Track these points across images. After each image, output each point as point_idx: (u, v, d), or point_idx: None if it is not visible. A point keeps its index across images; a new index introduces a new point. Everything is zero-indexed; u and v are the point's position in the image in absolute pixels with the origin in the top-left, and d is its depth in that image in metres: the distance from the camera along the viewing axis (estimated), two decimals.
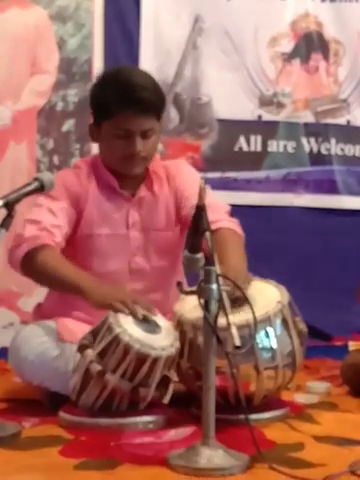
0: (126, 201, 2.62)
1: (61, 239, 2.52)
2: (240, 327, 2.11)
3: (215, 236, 2.45)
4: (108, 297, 2.33)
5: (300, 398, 2.62)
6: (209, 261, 2.03)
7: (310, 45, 4.00)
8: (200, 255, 2.05)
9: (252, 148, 3.98)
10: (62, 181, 2.57)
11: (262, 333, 2.31)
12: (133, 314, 2.29)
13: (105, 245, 2.59)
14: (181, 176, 2.66)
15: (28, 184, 2.28)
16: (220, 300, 2.02)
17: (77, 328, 2.47)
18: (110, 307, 2.29)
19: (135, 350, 2.21)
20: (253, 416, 2.20)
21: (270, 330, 2.32)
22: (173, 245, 2.62)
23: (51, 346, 2.47)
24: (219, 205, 2.62)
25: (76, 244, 2.59)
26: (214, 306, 2.01)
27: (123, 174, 2.60)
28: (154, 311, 2.36)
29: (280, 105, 3.99)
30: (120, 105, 2.48)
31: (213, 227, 2.47)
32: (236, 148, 3.97)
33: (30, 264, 2.45)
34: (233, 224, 2.60)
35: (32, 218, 2.52)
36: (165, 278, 2.63)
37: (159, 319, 2.35)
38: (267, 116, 3.98)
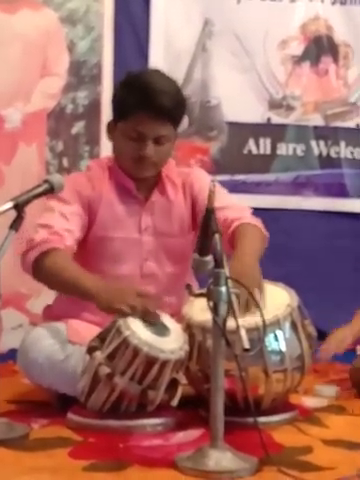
0: (139, 205, 2.63)
1: (72, 243, 2.52)
2: (249, 330, 2.10)
3: (237, 230, 2.48)
4: (116, 301, 2.31)
5: (309, 401, 2.61)
6: (218, 263, 2.03)
7: (320, 48, 4.00)
8: (209, 258, 2.05)
9: (261, 151, 3.97)
10: (74, 185, 2.57)
11: (271, 336, 2.31)
12: (142, 318, 2.28)
13: (117, 248, 2.60)
14: (198, 184, 2.65)
15: (38, 186, 2.29)
16: (229, 302, 2.02)
17: (86, 330, 2.47)
18: (118, 311, 2.29)
19: (144, 353, 2.21)
20: (262, 419, 2.20)
21: (279, 333, 2.32)
22: (186, 252, 2.60)
23: (60, 348, 2.46)
24: (242, 205, 2.65)
25: (89, 247, 2.59)
26: (223, 309, 2.01)
27: (135, 177, 2.60)
28: (162, 313, 2.36)
29: (289, 108, 3.99)
30: (136, 107, 2.49)
31: (236, 223, 2.50)
32: (245, 151, 3.97)
33: (40, 268, 2.46)
34: (256, 222, 2.60)
35: (44, 223, 2.52)
36: (177, 283, 2.62)
37: (168, 321, 2.35)
38: (276, 119, 3.98)
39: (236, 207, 2.60)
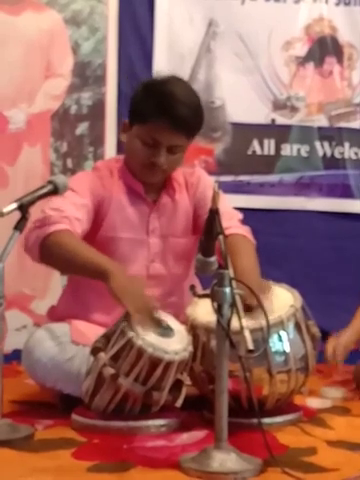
0: (148, 207, 2.63)
1: (80, 233, 2.50)
2: (253, 331, 2.10)
3: (227, 242, 2.47)
4: (127, 294, 2.28)
5: (313, 402, 2.61)
6: (222, 265, 2.03)
7: (324, 49, 3.99)
8: (213, 258, 2.05)
9: (265, 152, 3.97)
10: (87, 181, 2.57)
11: (275, 337, 2.31)
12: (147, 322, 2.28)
13: (125, 249, 2.59)
14: (201, 185, 2.65)
15: (42, 187, 2.30)
16: (233, 303, 2.02)
17: (90, 331, 2.47)
18: (126, 307, 2.26)
19: (148, 354, 2.22)
20: (266, 420, 2.20)
21: (283, 334, 2.32)
22: (190, 252, 2.61)
23: (64, 348, 2.47)
24: (232, 213, 2.65)
25: (97, 247, 2.56)
26: (227, 309, 2.01)
27: (142, 180, 2.60)
28: (166, 314, 2.36)
29: (294, 109, 3.98)
30: (156, 115, 2.47)
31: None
32: (249, 152, 3.96)
33: (50, 246, 2.40)
34: (245, 231, 2.61)
35: (55, 206, 2.47)
36: (182, 284, 2.63)
37: (172, 322, 2.35)
38: (281, 120, 3.97)
39: (226, 214, 2.55)
